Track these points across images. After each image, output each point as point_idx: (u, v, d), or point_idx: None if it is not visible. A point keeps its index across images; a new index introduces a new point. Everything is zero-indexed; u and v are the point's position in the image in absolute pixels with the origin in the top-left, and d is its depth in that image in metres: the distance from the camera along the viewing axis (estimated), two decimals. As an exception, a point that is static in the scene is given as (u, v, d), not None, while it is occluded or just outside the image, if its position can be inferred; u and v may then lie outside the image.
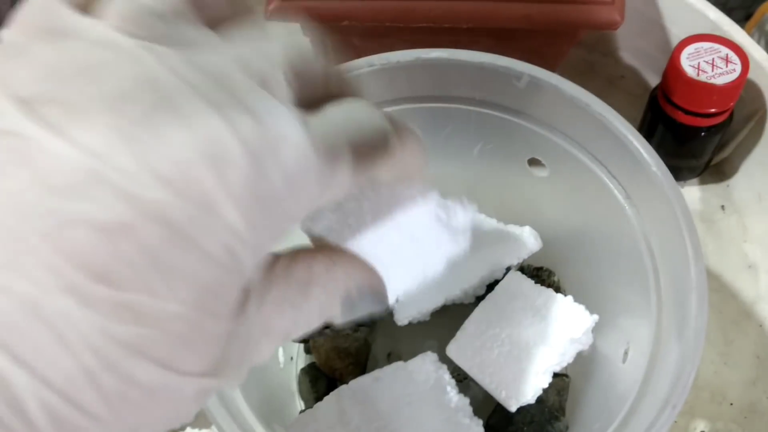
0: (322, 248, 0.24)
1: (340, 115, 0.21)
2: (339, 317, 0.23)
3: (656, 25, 0.54)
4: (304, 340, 0.46)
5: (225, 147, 0.17)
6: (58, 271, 0.16)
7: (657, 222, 0.35)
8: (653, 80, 0.57)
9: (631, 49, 0.58)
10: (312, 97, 0.21)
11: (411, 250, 0.27)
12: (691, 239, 0.32)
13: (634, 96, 0.57)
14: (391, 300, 0.25)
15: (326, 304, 0.22)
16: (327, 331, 0.43)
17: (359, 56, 0.37)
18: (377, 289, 0.24)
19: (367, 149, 0.21)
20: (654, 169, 0.34)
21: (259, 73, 0.19)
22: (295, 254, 0.22)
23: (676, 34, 0.53)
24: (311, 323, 0.22)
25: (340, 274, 0.23)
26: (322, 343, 0.44)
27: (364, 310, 0.24)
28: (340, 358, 0.45)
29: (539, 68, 0.36)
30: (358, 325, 0.45)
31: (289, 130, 0.18)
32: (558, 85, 0.36)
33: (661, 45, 0.54)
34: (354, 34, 0.44)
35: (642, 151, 0.34)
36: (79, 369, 0.16)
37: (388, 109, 0.40)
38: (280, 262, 0.22)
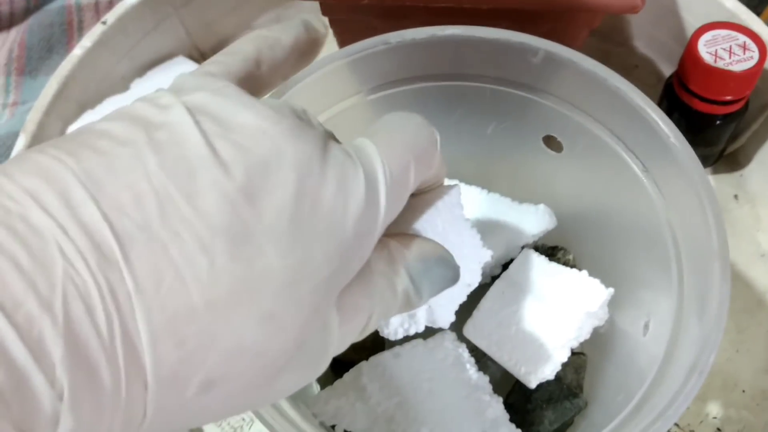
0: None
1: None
2: (417, 295, 0.26)
3: (671, 14, 0.54)
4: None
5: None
6: None
7: (676, 193, 0.35)
8: (667, 70, 0.57)
9: (646, 38, 0.57)
10: None
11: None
12: (712, 208, 0.32)
13: (648, 85, 0.57)
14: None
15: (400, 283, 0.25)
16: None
17: (378, 38, 0.38)
18: (447, 258, 0.27)
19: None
20: (672, 140, 0.33)
21: None
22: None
23: (692, 23, 0.53)
24: (392, 306, 0.25)
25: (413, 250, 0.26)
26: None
27: (440, 283, 0.27)
28: (357, 352, 0.44)
29: (555, 44, 0.36)
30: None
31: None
32: (574, 60, 0.36)
33: (675, 34, 0.54)
34: (374, 15, 0.44)
35: (660, 122, 0.34)
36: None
37: (404, 88, 0.40)
38: None
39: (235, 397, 0.21)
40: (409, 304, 0.26)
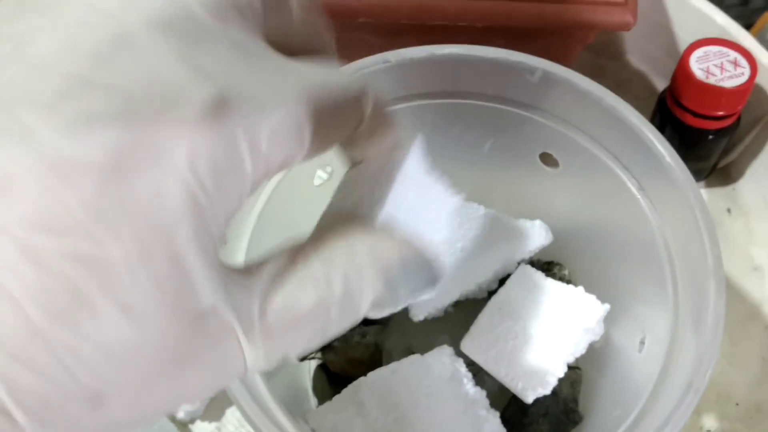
0: (346, 224, 0.22)
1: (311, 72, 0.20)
2: (388, 301, 0.21)
3: (664, 29, 0.54)
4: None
5: None
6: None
7: (671, 211, 0.36)
8: (660, 84, 0.57)
9: (639, 53, 0.58)
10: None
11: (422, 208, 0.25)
12: (706, 226, 0.32)
13: (641, 99, 0.57)
14: (444, 273, 0.23)
15: (357, 282, 0.20)
16: (336, 343, 0.43)
17: (373, 54, 0.38)
18: (420, 262, 0.22)
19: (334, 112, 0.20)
20: (668, 159, 0.34)
21: None
22: (320, 233, 0.21)
23: (684, 39, 0.53)
24: (349, 308, 0.20)
25: (366, 249, 0.20)
26: (333, 359, 0.44)
27: (414, 289, 0.22)
28: (355, 367, 0.45)
29: (552, 63, 0.37)
30: (365, 324, 0.45)
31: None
32: (571, 79, 0.36)
33: (668, 49, 0.55)
34: (369, 32, 0.44)
35: (655, 141, 0.34)
36: (23, 324, 0.15)
37: (402, 106, 0.41)
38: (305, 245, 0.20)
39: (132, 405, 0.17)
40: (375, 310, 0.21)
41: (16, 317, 0.15)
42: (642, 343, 0.38)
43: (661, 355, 0.35)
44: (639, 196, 0.38)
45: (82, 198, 0.15)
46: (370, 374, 0.40)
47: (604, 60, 0.59)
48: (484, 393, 0.40)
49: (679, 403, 0.30)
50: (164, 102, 0.16)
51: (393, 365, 0.40)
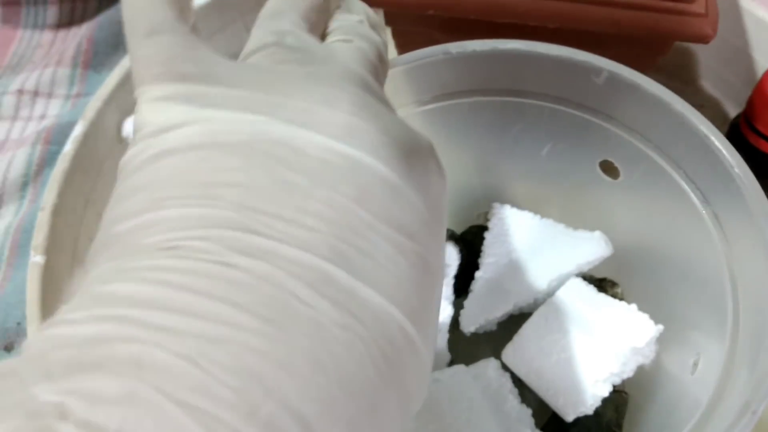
0: None
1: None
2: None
3: (741, 54, 0.52)
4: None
5: None
6: None
7: (737, 228, 0.34)
8: (733, 111, 0.55)
9: (713, 78, 0.56)
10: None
11: None
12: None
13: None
14: None
15: None
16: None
17: (437, 48, 0.37)
18: None
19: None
20: (737, 170, 0.32)
21: None
22: None
23: (762, 64, 0.51)
24: None
25: None
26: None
27: None
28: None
29: (619, 65, 0.35)
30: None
31: None
32: (639, 82, 0.35)
33: (744, 75, 0.53)
34: (437, 27, 0.44)
35: (724, 151, 0.33)
36: None
37: (459, 101, 0.40)
38: None
39: None
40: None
41: None
42: (695, 365, 0.36)
43: (714, 379, 0.32)
44: (703, 211, 0.35)
45: None
46: (411, 381, 0.39)
47: (676, 83, 0.57)
48: (529, 412, 0.38)
49: (733, 425, 0.28)
50: None
51: (436, 374, 0.39)
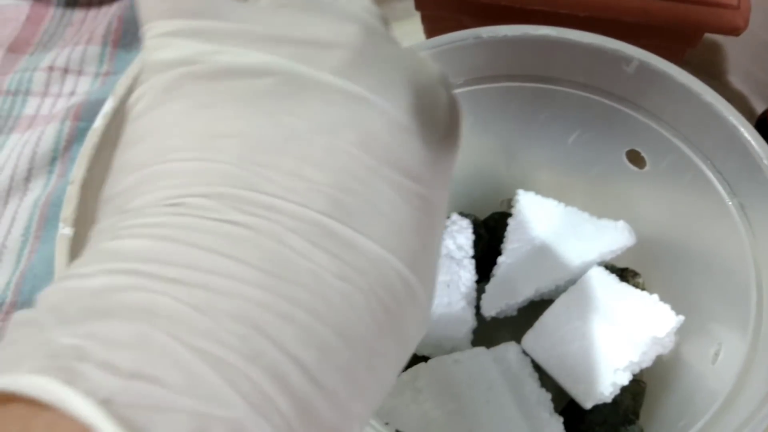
0: None
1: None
2: None
3: (770, 50, 0.52)
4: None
5: None
6: None
7: (764, 221, 0.33)
8: (760, 107, 0.55)
9: (742, 74, 0.56)
10: None
11: None
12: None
13: (739, 122, 0.55)
14: None
15: None
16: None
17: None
18: None
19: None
20: (766, 161, 0.32)
21: None
22: None
23: (792, 61, 0.51)
24: None
25: None
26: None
27: None
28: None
29: (650, 54, 0.35)
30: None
31: None
32: (669, 72, 0.35)
33: (773, 71, 0.52)
34: (467, 13, 0.44)
35: (753, 142, 0.32)
36: None
37: (489, 86, 0.40)
38: None
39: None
40: None
41: None
42: (716, 355, 0.36)
43: (735, 371, 0.33)
44: (729, 202, 0.35)
45: None
46: (431, 361, 0.39)
47: (703, 78, 0.56)
48: (549, 396, 0.39)
49: (752, 416, 0.28)
50: None
51: (456, 355, 0.39)
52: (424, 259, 0.19)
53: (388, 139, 0.19)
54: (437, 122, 0.21)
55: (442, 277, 0.40)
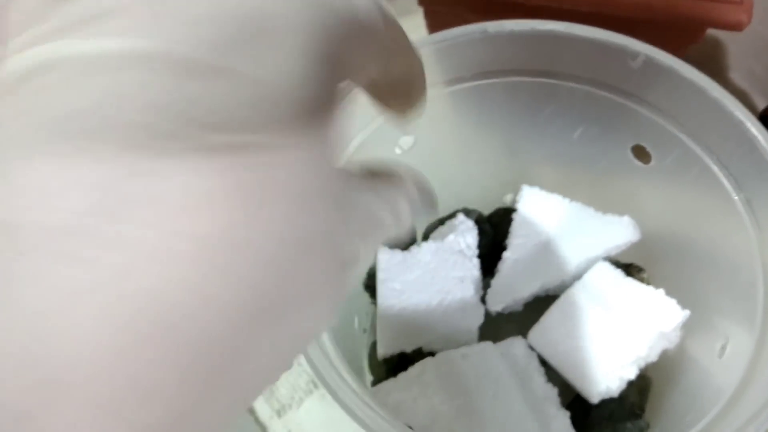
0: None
1: None
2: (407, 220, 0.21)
3: (772, 46, 0.52)
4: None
5: None
6: None
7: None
8: (761, 103, 0.55)
9: (744, 70, 0.56)
10: None
11: None
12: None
13: (740, 118, 0.55)
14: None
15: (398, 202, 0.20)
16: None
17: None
18: (431, 193, 0.23)
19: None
20: (772, 156, 0.32)
21: None
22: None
23: (794, 58, 0.51)
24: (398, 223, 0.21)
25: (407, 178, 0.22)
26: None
27: (421, 213, 0.23)
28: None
29: (656, 49, 0.35)
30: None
31: None
32: (675, 67, 0.35)
33: (774, 67, 0.52)
34: (470, 8, 0.44)
35: (759, 137, 0.32)
36: None
37: (494, 81, 0.40)
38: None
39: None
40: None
41: None
42: (722, 349, 0.36)
43: (742, 367, 0.33)
44: (736, 197, 0.35)
45: None
46: (439, 355, 0.39)
47: (705, 74, 0.56)
48: (556, 390, 0.39)
49: (759, 412, 0.28)
50: None
51: (463, 349, 0.39)
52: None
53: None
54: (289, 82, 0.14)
55: (455, 273, 0.40)
